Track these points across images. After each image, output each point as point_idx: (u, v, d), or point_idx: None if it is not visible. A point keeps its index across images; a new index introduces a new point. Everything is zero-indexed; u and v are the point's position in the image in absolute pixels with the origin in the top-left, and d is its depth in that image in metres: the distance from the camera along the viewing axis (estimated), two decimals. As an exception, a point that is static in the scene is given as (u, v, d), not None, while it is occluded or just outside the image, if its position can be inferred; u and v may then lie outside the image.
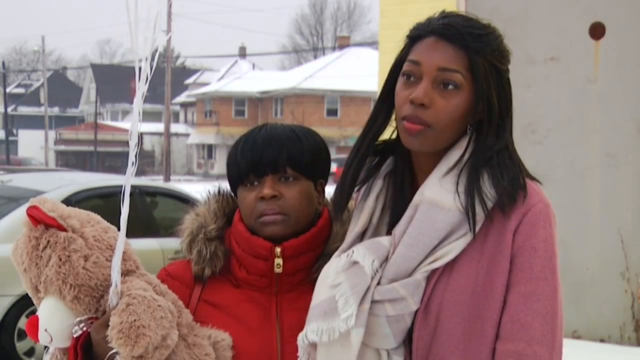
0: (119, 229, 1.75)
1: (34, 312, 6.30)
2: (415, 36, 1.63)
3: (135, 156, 1.62)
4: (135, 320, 1.59)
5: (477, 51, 1.57)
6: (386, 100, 1.67)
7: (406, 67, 1.61)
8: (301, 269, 1.77)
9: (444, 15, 1.63)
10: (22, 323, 6.44)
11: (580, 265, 6.86)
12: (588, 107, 6.99)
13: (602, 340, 6.85)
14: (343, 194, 1.70)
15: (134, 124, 1.62)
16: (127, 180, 1.63)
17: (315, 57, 65.97)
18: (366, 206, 1.68)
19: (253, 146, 1.78)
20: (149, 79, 1.61)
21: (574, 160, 7.02)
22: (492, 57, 1.59)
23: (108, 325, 1.61)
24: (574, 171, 7.01)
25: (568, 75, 7.05)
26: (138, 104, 1.63)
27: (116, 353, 1.60)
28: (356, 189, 1.73)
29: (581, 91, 7.00)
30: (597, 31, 6.96)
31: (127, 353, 1.58)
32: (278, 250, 1.75)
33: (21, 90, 76.29)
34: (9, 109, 61.88)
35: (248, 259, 1.78)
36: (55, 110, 72.89)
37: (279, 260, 1.76)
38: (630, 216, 6.84)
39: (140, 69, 1.61)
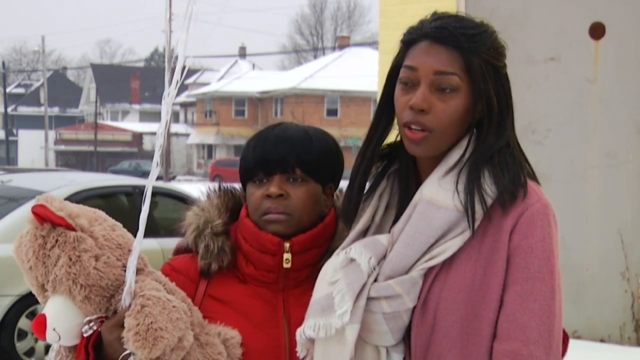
0: (122, 226, 1.75)
1: (34, 312, 6.28)
2: (409, 41, 1.62)
3: (161, 156, 1.62)
4: (152, 323, 1.57)
5: (472, 51, 1.57)
6: (386, 105, 1.67)
7: (403, 73, 1.61)
8: (309, 264, 1.79)
9: (436, 17, 1.62)
10: (22, 323, 6.44)
11: (580, 265, 6.86)
12: (588, 107, 6.99)
13: (602, 340, 6.85)
14: (351, 204, 1.70)
15: (160, 126, 1.61)
16: (150, 180, 1.62)
17: (315, 57, 65.99)
18: (369, 205, 1.69)
19: (264, 144, 1.80)
20: (179, 83, 1.60)
21: (574, 160, 7.02)
22: (488, 55, 1.59)
23: (121, 326, 1.60)
24: (574, 171, 7.00)
25: (568, 75, 7.05)
26: (168, 105, 1.61)
27: (130, 353, 1.58)
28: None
29: (581, 91, 7.00)
30: (597, 31, 6.96)
31: (144, 355, 1.56)
32: (287, 245, 1.77)
33: (21, 90, 76.32)
34: (9, 109, 61.91)
35: (256, 254, 1.79)
36: (55, 110, 72.90)
37: (287, 256, 1.77)
38: (630, 216, 6.84)
39: (173, 71, 1.59)
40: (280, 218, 1.76)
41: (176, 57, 1.59)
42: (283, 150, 1.78)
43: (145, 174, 43.36)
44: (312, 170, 1.79)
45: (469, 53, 1.56)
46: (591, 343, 6.73)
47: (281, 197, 1.76)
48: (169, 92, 1.60)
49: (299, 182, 1.78)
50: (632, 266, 6.81)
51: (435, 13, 1.63)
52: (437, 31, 1.58)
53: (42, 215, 1.65)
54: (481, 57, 1.57)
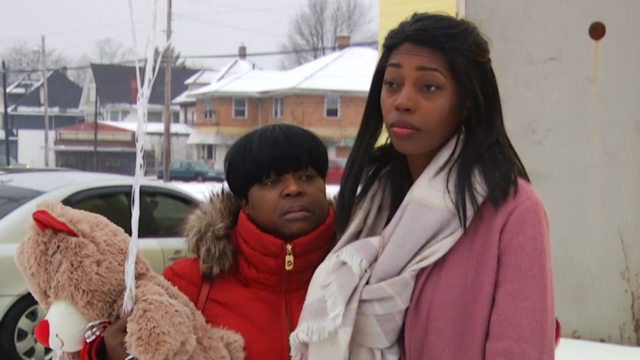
0: (124, 231, 1.74)
1: (34, 312, 6.27)
2: (391, 44, 1.63)
3: (143, 158, 1.62)
4: (154, 327, 1.57)
5: (454, 50, 1.57)
6: (373, 109, 1.67)
7: (388, 73, 1.61)
8: (311, 266, 1.78)
9: (416, 19, 1.62)
10: (22, 323, 6.44)
11: (580, 265, 6.86)
12: (588, 107, 6.99)
13: (602, 340, 6.85)
14: (344, 210, 1.70)
15: (139, 127, 1.61)
16: (137, 182, 1.62)
17: (315, 57, 66.00)
18: (361, 207, 1.69)
19: (274, 144, 1.80)
20: (152, 82, 1.60)
21: (574, 160, 7.02)
22: (471, 52, 1.58)
23: (124, 331, 1.60)
24: (574, 171, 7.00)
25: (568, 75, 7.05)
26: (143, 106, 1.61)
27: (133, 358, 1.58)
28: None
29: (581, 91, 7.00)
30: (597, 31, 6.96)
31: None
32: (289, 247, 1.77)
33: (21, 90, 76.36)
34: (9, 109, 61.90)
35: (258, 257, 1.79)
36: (55, 110, 72.91)
37: (289, 258, 1.77)
38: (630, 216, 6.83)
39: (142, 70, 1.60)
40: (304, 215, 1.77)
41: (146, 59, 1.59)
42: (296, 148, 1.79)
43: (198, 175, 43.06)
44: (319, 167, 1.82)
45: (451, 52, 1.56)
46: (591, 343, 6.73)
47: (300, 194, 1.77)
48: (143, 92, 1.60)
49: (310, 179, 1.80)
50: (632, 266, 6.81)
51: (415, 14, 1.64)
52: (418, 33, 1.58)
53: (44, 222, 1.64)
54: (464, 55, 1.57)
